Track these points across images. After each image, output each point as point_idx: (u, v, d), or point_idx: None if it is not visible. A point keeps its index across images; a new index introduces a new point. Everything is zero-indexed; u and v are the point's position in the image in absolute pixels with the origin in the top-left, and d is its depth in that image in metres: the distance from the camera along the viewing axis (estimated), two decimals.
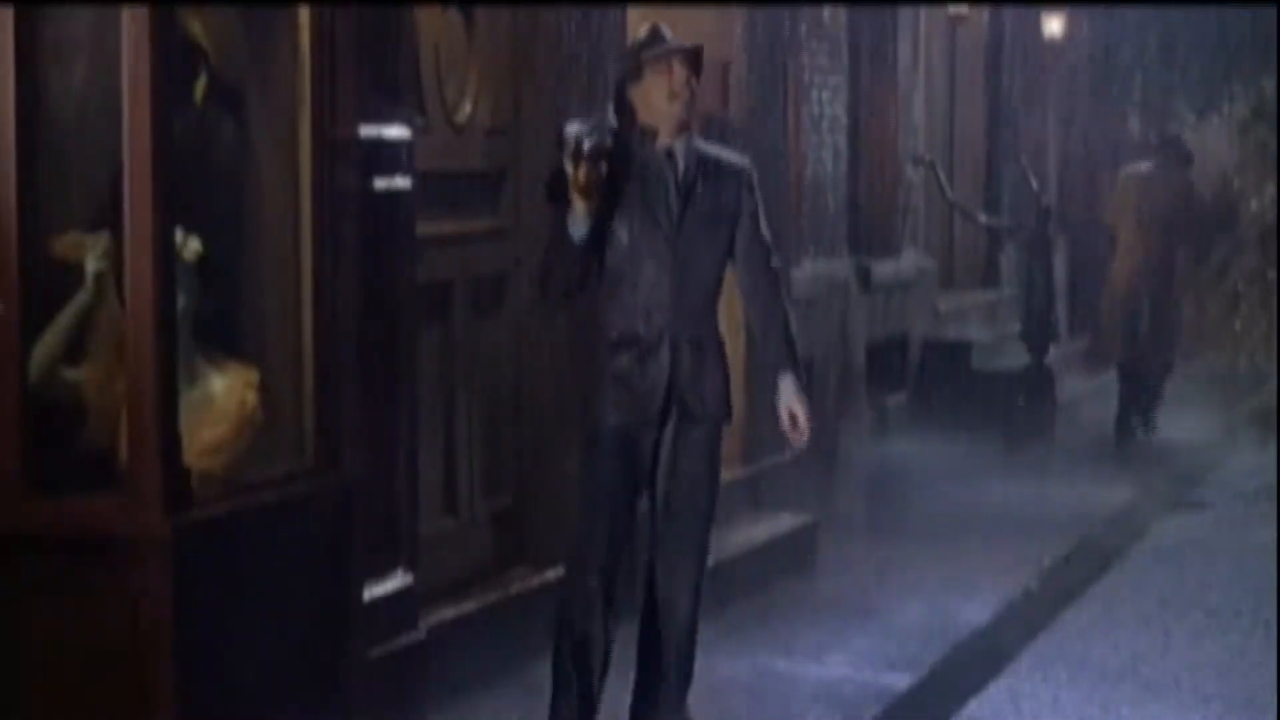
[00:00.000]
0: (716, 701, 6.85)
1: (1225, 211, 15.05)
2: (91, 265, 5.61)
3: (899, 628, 7.98)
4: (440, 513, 7.07)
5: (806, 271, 10.55)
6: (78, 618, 5.41)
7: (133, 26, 5.36)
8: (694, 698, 6.67)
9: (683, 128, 6.03)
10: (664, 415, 5.99)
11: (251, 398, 5.91)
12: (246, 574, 5.70)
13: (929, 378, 12.95)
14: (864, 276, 12.01)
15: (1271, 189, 16.33)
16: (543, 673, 6.60)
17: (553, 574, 7.16)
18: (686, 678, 6.21)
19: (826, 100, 11.33)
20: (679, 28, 6.38)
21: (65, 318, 5.64)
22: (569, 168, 5.77)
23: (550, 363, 7.54)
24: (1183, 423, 13.90)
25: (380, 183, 6.25)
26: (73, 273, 5.62)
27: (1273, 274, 16.41)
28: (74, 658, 5.41)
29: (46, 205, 5.54)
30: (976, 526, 10.13)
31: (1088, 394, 14.36)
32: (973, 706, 7.25)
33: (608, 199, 5.86)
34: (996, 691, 7.45)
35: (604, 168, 5.79)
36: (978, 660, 7.76)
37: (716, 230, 6.05)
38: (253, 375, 5.94)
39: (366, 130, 6.15)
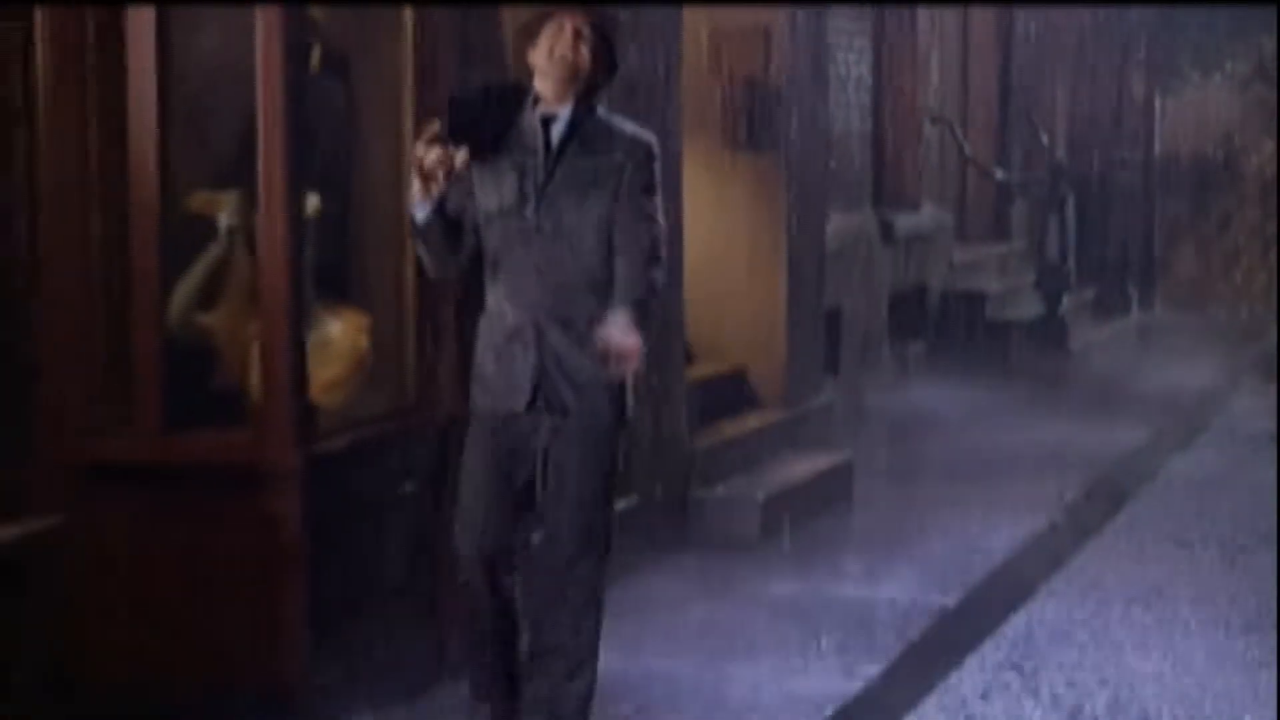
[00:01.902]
0: (779, 622, 7.43)
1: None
2: (223, 220, 6.17)
3: (937, 556, 8.55)
4: None
5: (835, 225, 11.10)
6: (214, 541, 5.96)
7: (265, 9, 5.90)
8: (757, 621, 7.31)
9: (566, 93, 5.53)
10: (534, 405, 5.52)
11: (363, 341, 6.47)
12: (360, 501, 6.26)
13: (946, 327, 13.53)
14: (886, 230, 12.58)
15: (1271, 145, 16.94)
16: (613, 599, 7.21)
17: (625, 503, 7.76)
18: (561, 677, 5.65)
19: (853, 62, 11.89)
20: None
21: (199, 268, 6.20)
22: (414, 147, 5.47)
23: None
24: (1189, 369, 14.48)
25: None
26: (206, 227, 6.18)
27: (1272, 228, 17.03)
28: (212, 578, 5.96)
29: (183, 167, 6.09)
30: (998, 466, 10.70)
31: (1097, 342, 14.92)
32: (1013, 622, 7.90)
33: (481, 167, 5.48)
34: (1031, 612, 8.10)
35: (447, 150, 5.38)
36: (1012, 584, 8.37)
37: (589, 203, 5.50)
38: (364, 320, 6.50)
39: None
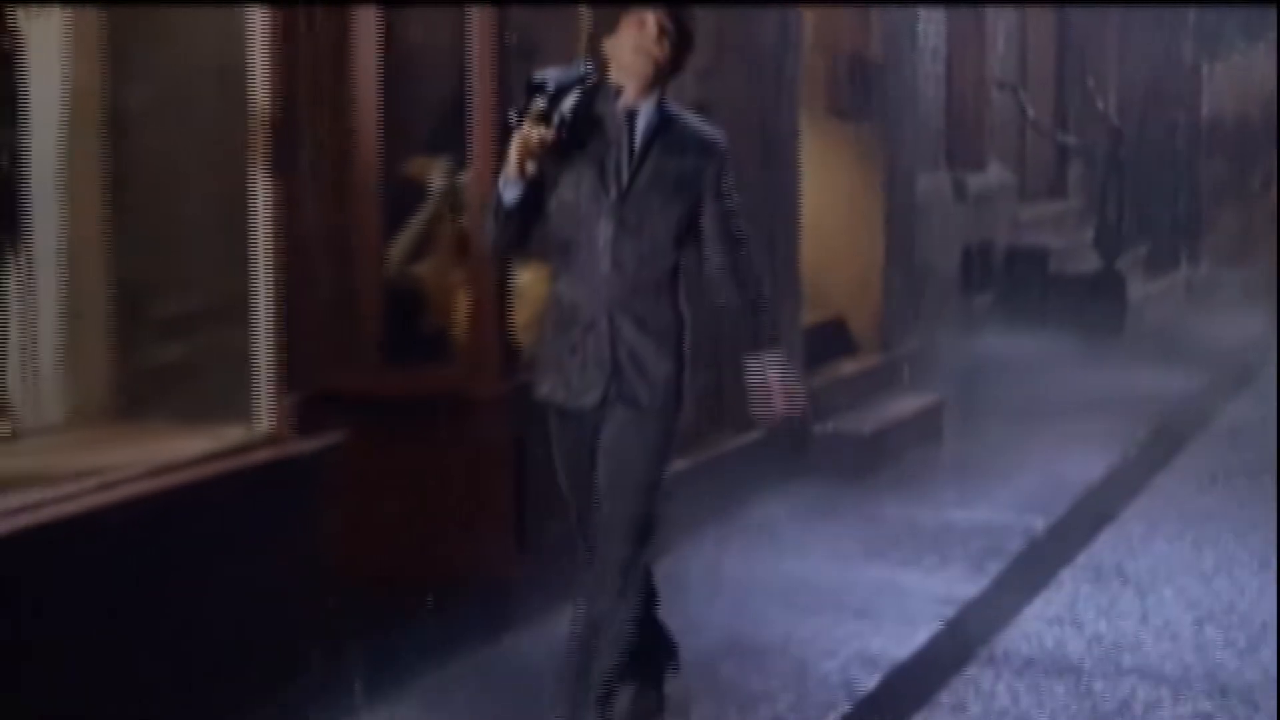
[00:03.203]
0: (889, 542, 8.41)
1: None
2: (436, 182, 7.14)
3: (1025, 485, 9.54)
4: None
5: (920, 184, 12.04)
6: (429, 464, 6.91)
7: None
8: (875, 537, 8.31)
9: (649, 88, 5.51)
10: (604, 396, 5.55)
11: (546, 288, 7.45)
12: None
13: (1012, 280, 14.48)
14: (959, 189, 13.52)
15: None
16: (748, 517, 8.27)
17: (744, 438, 8.77)
18: (611, 671, 5.70)
19: (931, 34, 12.82)
20: None
21: (414, 224, 7.18)
22: (513, 123, 5.42)
23: None
24: (1235, 321, 15.43)
25: None
26: (420, 189, 7.15)
27: None
28: (427, 497, 6.91)
29: (400, 136, 7.05)
30: (1070, 407, 11.67)
31: (1150, 296, 15.87)
32: (1095, 545, 8.90)
33: (560, 157, 5.44)
34: (1114, 533, 9.12)
35: (551, 130, 5.38)
36: (1094, 510, 9.37)
37: (672, 203, 5.50)
38: (546, 270, 7.48)
39: None
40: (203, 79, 6.05)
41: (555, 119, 5.36)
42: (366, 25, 6.85)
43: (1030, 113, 14.90)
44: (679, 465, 8.42)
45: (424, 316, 7.25)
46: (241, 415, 5.87)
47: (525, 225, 5.55)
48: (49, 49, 5.86)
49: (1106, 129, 15.38)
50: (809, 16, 10.54)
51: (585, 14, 7.54)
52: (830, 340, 10.52)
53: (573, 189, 5.49)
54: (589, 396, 5.54)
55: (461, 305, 7.14)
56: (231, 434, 5.83)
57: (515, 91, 6.88)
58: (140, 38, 6.03)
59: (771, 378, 5.61)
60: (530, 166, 5.39)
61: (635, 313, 5.51)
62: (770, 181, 9.22)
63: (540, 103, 5.36)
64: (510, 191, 5.46)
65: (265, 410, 5.86)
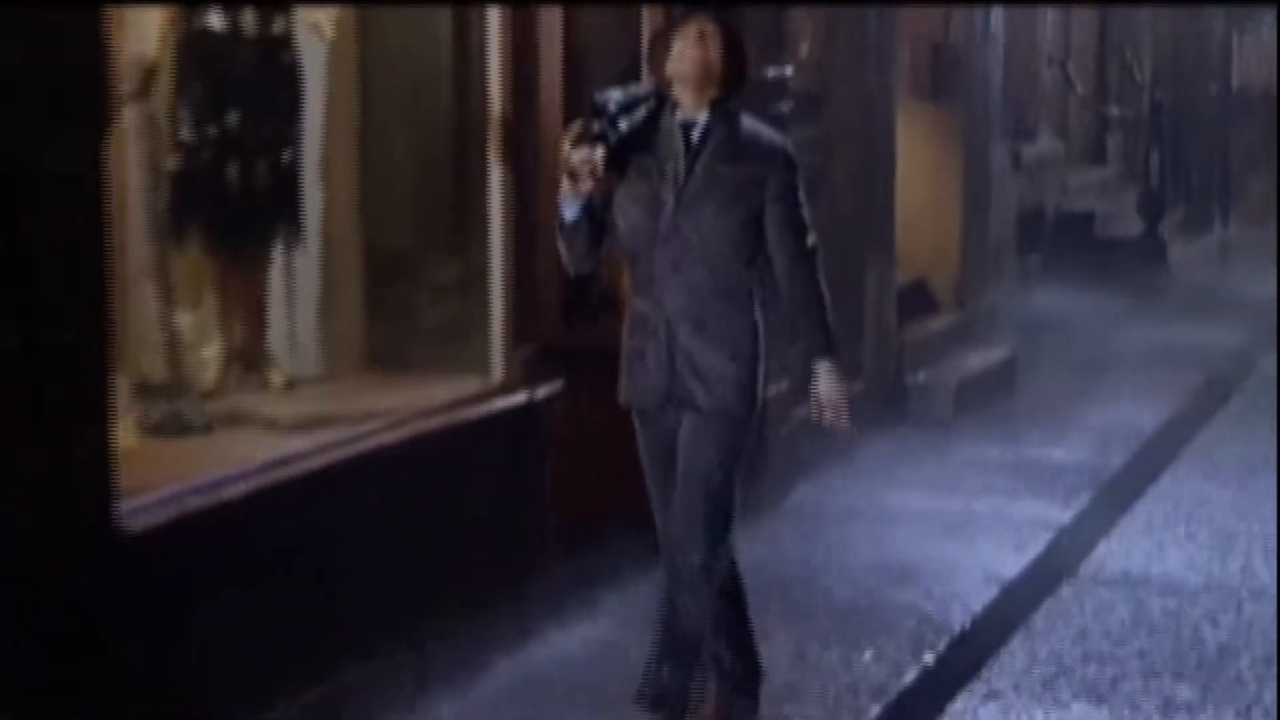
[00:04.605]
0: (986, 479, 9.56)
1: None
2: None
3: (1096, 429, 10.71)
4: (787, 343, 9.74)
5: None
6: (604, 406, 8.01)
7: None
8: (969, 474, 9.49)
9: (706, 98, 5.62)
10: (668, 399, 5.71)
11: None
12: None
13: (1061, 242, 15.61)
14: (1015, 158, 14.65)
15: None
16: (861, 458, 9.46)
17: (857, 387, 9.92)
18: (700, 665, 5.88)
19: (992, 19, 13.93)
20: None
21: None
22: (565, 147, 5.58)
23: (855, 232, 10.20)
24: (1268, 280, 16.53)
25: (770, 106, 8.92)
26: None
27: None
28: (601, 434, 8.00)
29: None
30: (1126, 360, 12.82)
31: (1188, 257, 17.01)
32: (1164, 480, 10.10)
33: (618, 172, 5.58)
34: (1178, 469, 10.30)
35: (599, 151, 5.49)
36: (1161, 449, 10.55)
37: (731, 211, 5.59)
38: None
39: (770, 71, 8.82)
40: (439, 78, 7.18)
41: (610, 138, 5.51)
42: (550, 25, 7.94)
43: (1079, 88, 16.01)
44: (800, 414, 9.62)
45: (592, 283, 8.36)
46: (476, 368, 7.01)
47: (593, 240, 5.68)
48: (313, 56, 6.98)
49: (1147, 100, 16.48)
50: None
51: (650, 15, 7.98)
52: (915, 299, 11.65)
53: (633, 202, 5.62)
54: (652, 399, 5.74)
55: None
56: (469, 384, 6.96)
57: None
58: (386, 42, 7.16)
59: (814, 392, 5.76)
60: (584, 185, 5.52)
61: (696, 319, 5.61)
62: (871, 162, 10.35)
63: (595, 124, 5.52)
64: (569, 209, 5.61)
65: (498, 363, 7.00)
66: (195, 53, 6.52)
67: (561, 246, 5.77)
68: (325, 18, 6.85)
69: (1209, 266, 16.53)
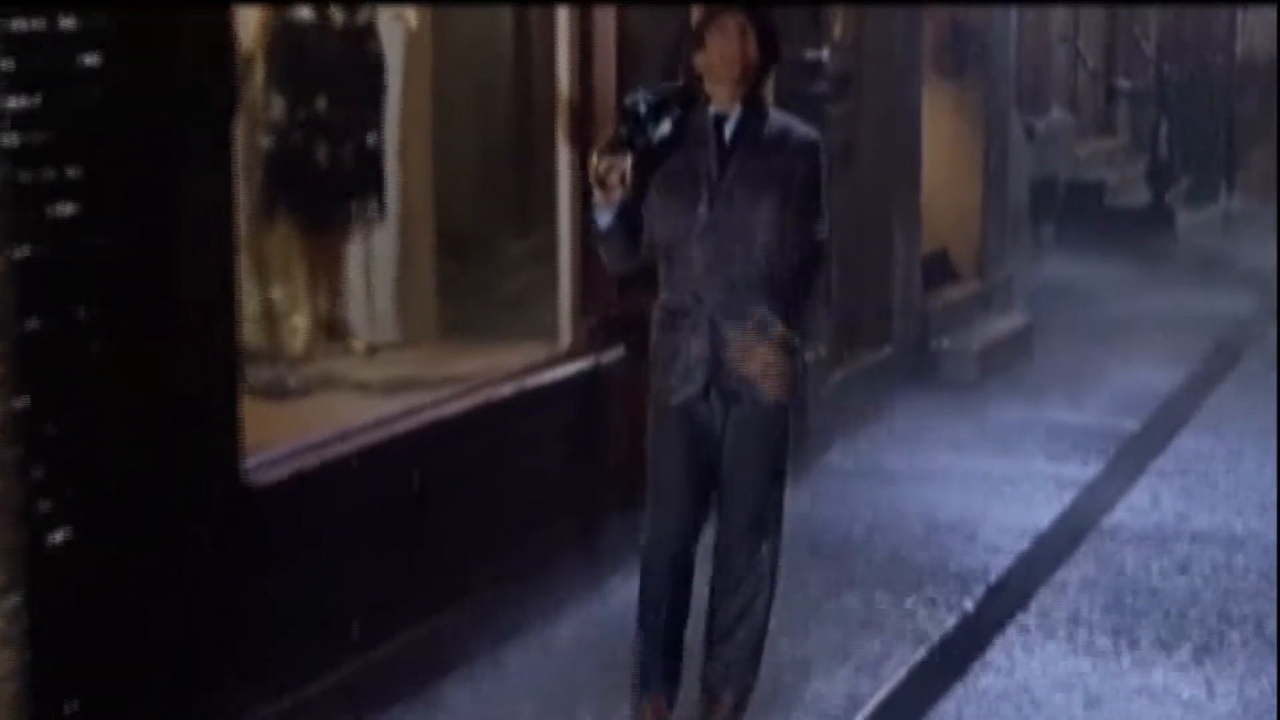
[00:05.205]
0: (1011, 440, 10.05)
1: None
2: None
3: (1113, 392, 11.20)
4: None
5: None
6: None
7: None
8: (995, 434, 9.99)
9: (738, 92, 5.64)
10: (708, 392, 5.69)
11: None
12: None
13: (1071, 212, 16.10)
14: (1029, 131, 15.12)
15: None
16: (892, 419, 9.95)
17: (878, 355, 10.44)
18: (739, 664, 5.88)
19: None
20: None
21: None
22: (594, 157, 5.57)
23: (884, 204, 10.68)
24: (1272, 249, 16.97)
25: (808, 86, 9.40)
26: None
27: None
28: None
29: None
30: (1138, 326, 13.28)
31: (1193, 227, 17.48)
32: (1179, 438, 10.60)
33: (650, 172, 5.59)
34: (1191, 430, 10.81)
35: (626, 156, 5.49)
36: (1175, 412, 11.04)
37: (761, 203, 5.61)
38: None
39: (808, 54, 9.29)
40: (502, 70, 7.68)
41: (639, 143, 5.50)
42: (605, 21, 8.42)
43: (1090, 63, 16.48)
44: (837, 377, 10.13)
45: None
46: (545, 336, 7.50)
47: (631, 242, 5.69)
48: (393, 47, 7.47)
49: (1154, 73, 16.95)
50: None
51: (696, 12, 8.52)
52: (937, 269, 12.13)
53: (668, 199, 5.62)
54: (690, 389, 5.68)
55: None
56: (537, 350, 7.45)
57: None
58: (456, 36, 7.66)
59: (771, 357, 5.68)
60: (615, 194, 5.54)
61: (730, 309, 5.62)
62: (899, 138, 10.83)
63: (623, 129, 5.52)
64: (602, 217, 5.63)
65: (565, 331, 7.49)
66: (287, 43, 7.02)
67: (600, 251, 5.84)
68: (410, 11, 7.34)
69: (1213, 236, 16.99)
